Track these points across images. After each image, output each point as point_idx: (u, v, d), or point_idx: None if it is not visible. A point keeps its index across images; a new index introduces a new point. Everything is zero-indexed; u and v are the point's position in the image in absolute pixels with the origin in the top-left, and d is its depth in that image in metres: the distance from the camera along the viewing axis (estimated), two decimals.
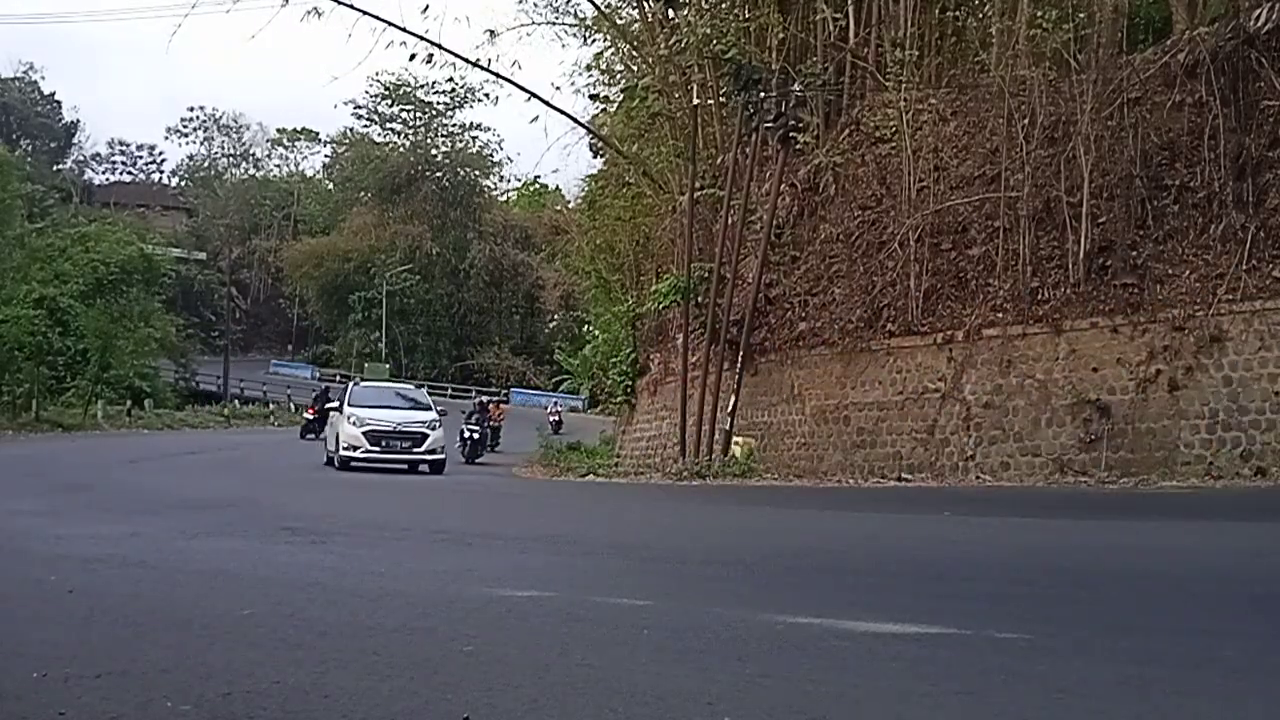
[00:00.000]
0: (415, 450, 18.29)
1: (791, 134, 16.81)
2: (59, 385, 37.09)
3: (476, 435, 24.31)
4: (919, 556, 6.76)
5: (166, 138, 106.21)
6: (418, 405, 20.05)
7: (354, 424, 18.21)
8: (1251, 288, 12.56)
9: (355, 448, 17.90)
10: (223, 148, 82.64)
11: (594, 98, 25.40)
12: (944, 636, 3.98)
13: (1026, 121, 14.93)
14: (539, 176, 78.21)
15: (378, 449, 17.94)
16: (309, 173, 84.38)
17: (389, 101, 68.20)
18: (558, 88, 45.44)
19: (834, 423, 16.00)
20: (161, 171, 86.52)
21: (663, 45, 20.20)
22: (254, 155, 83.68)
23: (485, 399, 31.31)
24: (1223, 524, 8.37)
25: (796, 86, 17.09)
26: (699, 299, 18.31)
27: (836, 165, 17.44)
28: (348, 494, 13.57)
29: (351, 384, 21.00)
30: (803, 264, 17.67)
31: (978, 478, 13.98)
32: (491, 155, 70.36)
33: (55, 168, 71.35)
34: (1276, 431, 11.96)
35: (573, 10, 25.26)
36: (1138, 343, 13.15)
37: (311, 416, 29.55)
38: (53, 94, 76.49)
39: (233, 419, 43.25)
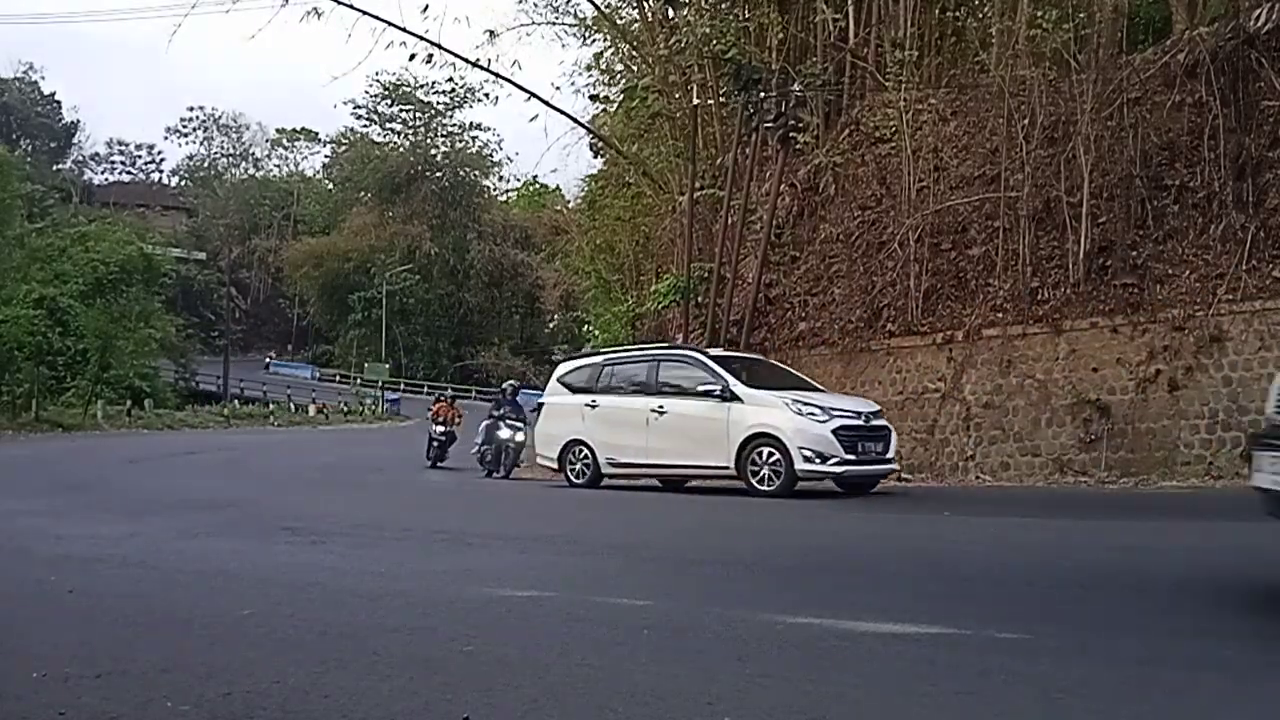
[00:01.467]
0: (885, 457, 11.86)
1: (791, 134, 16.83)
2: (59, 385, 37.11)
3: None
4: (919, 556, 6.76)
5: (166, 138, 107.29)
6: (812, 385, 13.01)
7: (812, 417, 11.35)
8: (1251, 288, 12.57)
9: (825, 457, 11.15)
10: (222, 148, 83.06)
11: (594, 98, 25.44)
12: (944, 636, 3.98)
13: (1026, 121, 14.94)
14: (539, 176, 78.28)
15: (854, 457, 11.31)
16: (309, 173, 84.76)
17: (389, 101, 68.40)
18: (558, 88, 45.89)
19: None
20: (161, 171, 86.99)
21: (663, 45, 20.19)
22: (254, 155, 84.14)
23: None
24: (1223, 524, 8.36)
25: (796, 86, 17.11)
26: (699, 299, 18.30)
27: (836, 165, 17.46)
28: (348, 494, 13.56)
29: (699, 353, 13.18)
30: (803, 264, 17.68)
31: (978, 478, 14.00)
32: (491, 155, 70.65)
33: (55, 168, 71.56)
34: None
35: (573, 10, 25.33)
36: (1138, 343, 13.16)
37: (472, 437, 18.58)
38: (53, 94, 76.87)
39: (233, 419, 43.22)
